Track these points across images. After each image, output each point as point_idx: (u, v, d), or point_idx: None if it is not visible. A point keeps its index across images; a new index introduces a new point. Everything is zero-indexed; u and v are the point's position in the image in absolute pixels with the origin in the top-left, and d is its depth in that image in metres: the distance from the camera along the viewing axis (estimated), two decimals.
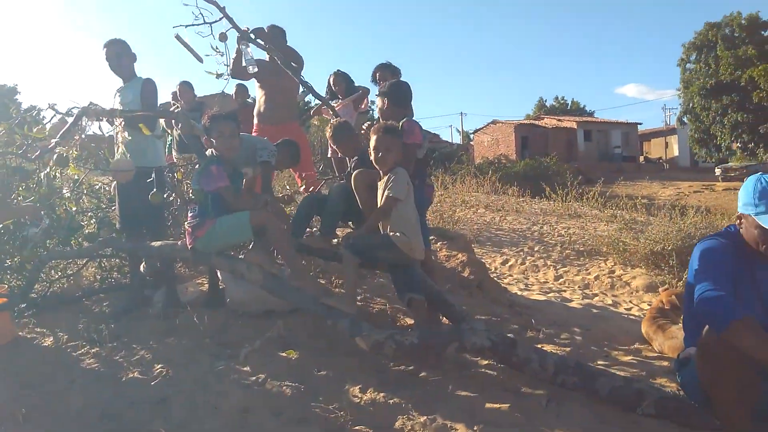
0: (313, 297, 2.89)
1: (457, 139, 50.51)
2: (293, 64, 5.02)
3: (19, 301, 3.78)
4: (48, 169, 3.61)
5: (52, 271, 4.49)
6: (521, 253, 8.61)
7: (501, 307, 4.09)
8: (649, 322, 3.49)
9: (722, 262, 2.15)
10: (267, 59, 5.23)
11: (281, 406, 2.43)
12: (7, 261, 3.96)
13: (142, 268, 3.80)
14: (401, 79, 4.55)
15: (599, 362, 2.96)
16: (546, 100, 56.30)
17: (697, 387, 2.17)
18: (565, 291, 6.71)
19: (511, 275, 7.64)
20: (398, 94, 3.67)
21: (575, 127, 39.48)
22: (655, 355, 3.29)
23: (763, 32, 31.89)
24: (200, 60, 4.44)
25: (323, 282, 3.97)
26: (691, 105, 33.74)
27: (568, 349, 3.14)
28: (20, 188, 3.84)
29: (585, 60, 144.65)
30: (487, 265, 7.79)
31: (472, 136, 45.33)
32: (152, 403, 2.54)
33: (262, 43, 4.85)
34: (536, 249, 8.77)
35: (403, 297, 3.00)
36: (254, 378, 2.68)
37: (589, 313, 4.90)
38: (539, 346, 3.11)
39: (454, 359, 2.73)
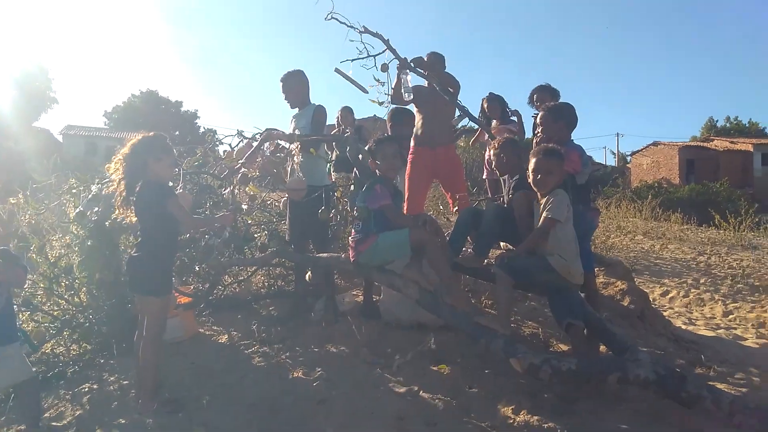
0: (466, 315, 2.94)
1: (611, 161, 47.73)
2: (450, 89, 5.16)
3: (201, 301, 4.28)
4: (232, 187, 4.07)
5: (226, 277, 5.02)
6: (684, 284, 7.90)
7: (665, 340, 3.80)
8: None
9: None
10: (425, 84, 5.43)
11: (434, 418, 2.50)
12: (195, 267, 4.50)
13: (306, 278, 4.11)
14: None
15: None
16: (717, 121, 51.18)
17: None
18: (736, 329, 6.04)
19: (671, 308, 7.04)
20: (571, 116, 3.64)
21: (751, 149, 35.36)
22: None
23: None
24: (365, 91, 4.77)
25: (473, 301, 3.99)
26: None
27: (744, 389, 2.84)
28: (208, 203, 4.37)
29: (763, 75, 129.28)
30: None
31: (629, 158, 42.55)
32: (315, 401, 2.75)
33: (421, 71, 5.06)
34: (702, 281, 8.00)
35: (561, 321, 2.93)
36: (407, 388, 2.79)
37: (763, 354, 4.37)
38: (710, 383, 2.86)
39: (613, 391, 2.60)
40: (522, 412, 2.46)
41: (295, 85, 4.42)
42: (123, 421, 2.78)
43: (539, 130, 3.68)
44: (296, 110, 4.49)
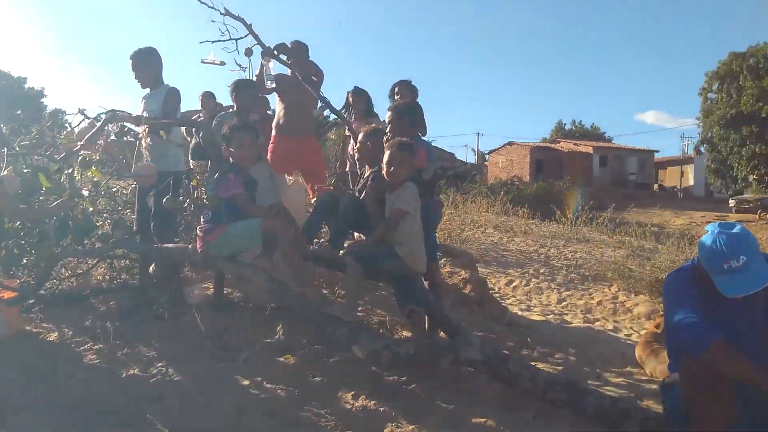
0: (314, 305, 2.97)
1: (472, 159, 50.66)
2: (313, 78, 5.15)
3: (29, 296, 3.89)
4: (71, 171, 3.74)
5: (63, 270, 4.60)
6: (526, 274, 8.61)
7: (499, 325, 4.13)
8: (643, 347, 3.52)
9: (688, 289, 2.24)
10: (288, 73, 5.35)
11: (274, 409, 2.50)
12: (24, 259, 4.07)
13: (151, 270, 3.90)
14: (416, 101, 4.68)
15: (590, 382, 2.99)
16: (565, 124, 56.30)
17: (680, 409, 2.21)
18: (567, 314, 6.71)
19: (514, 296, 7.64)
20: (414, 115, 3.78)
21: (591, 151, 39.43)
22: (646, 378, 3.32)
23: None
24: (223, 63, 4.62)
25: (326, 292, 4.04)
26: (709, 135, 33.59)
27: (560, 367, 3.18)
28: (43, 188, 3.96)
29: (607, 84, 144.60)
30: (491, 285, 7.83)
31: (487, 156, 45.44)
32: (149, 400, 2.61)
33: (284, 58, 4.99)
34: (541, 271, 8.77)
35: (404, 308, 3.06)
36: (250, 380, 2.75)
37: (586, 335, 4.91)
38: (533, 363, 3.15)
39: (448, 372, 2.78)
40: (361, 398, 2.54)
41: (145, 64, 4.15)
42: None
43: (389, 123, 3.81)
44: (147, 91, 4.22)
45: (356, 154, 3.90)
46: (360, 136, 3.73)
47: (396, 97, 5.03)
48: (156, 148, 3.93)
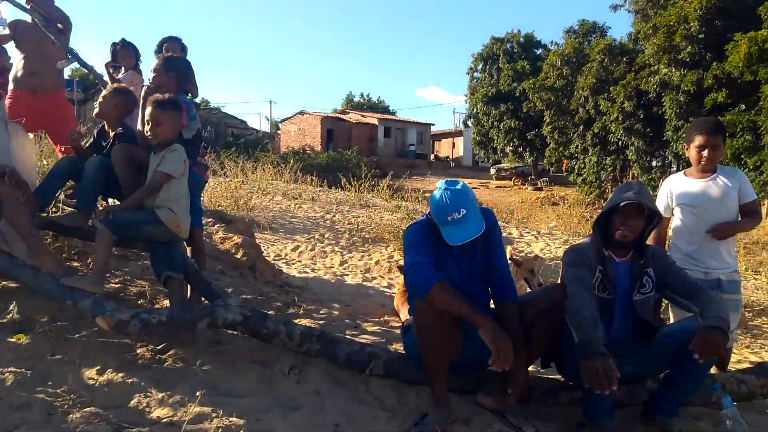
0: (51, 278, 2.66)
1: (267, 128, 49.91)
2: (59, 26, 4.52)
3: None
4: None
5: None
6: (312, 239, 8.83)
7: (271, 287, 4.17)
8: (399, 296, 3.86)
9: (421, 239, 2.49)
10: (29, 20, 4.63)
11: (1, 392, 2.20)
12: None
13: None
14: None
15: (348, 332, 3.20)
16: (354, 96, 58.35)
17: (416, 347, 2.47)
18: (348, 275, 7.06)
19: (300, 261, 7.79)
20: (184, 71, 3.61)
21: (377, 123, 41.57)
22: (399, 324, 3.65)
23: (536, 50, 36.81)
24: None
25: (78, 264, 3.65)
26: (475, 110, 37.66)
27: (322, 322, 3.33)
28: None
29: (392, 60, 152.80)
30: (279, 251, 7.89)
31: (280, 125, 45.15)
32: None
33: (21, 2, 4.30)
34: (326, 236, 9.06)
35: (160, 275, 2.91)
36: None
37: (357, 291, 5.22)
38: (298, 321, 3.25)
39: (210, 337, 2.72)
40: (107, 372, 2.36)
41: None
42: None
43: (150, 78, 3.55)
44: None
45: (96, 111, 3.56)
46: (103, 93, 3.40)
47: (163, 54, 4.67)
48: None
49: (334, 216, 10.87)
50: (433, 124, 47.47)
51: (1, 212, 2.76)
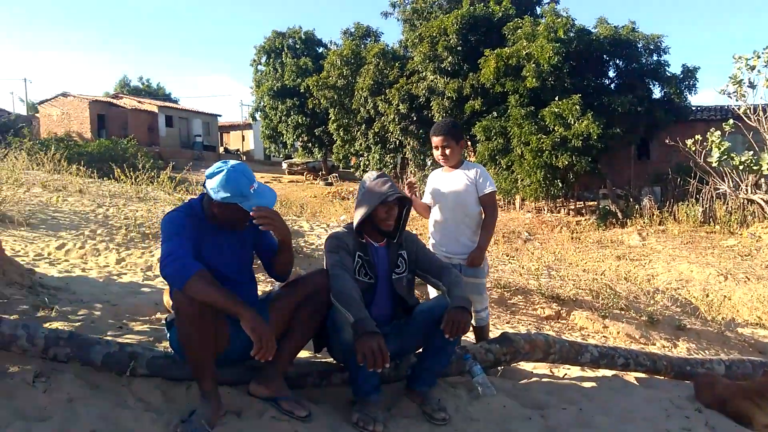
0: None
1: (22, 110, 43.18)
2: None
3: None
4: None
5: None
6: (81, 236, 8.03)
7: (17, 288, 3.76)
8: (169, 291, 3.81)
9: (180, 227, 2.40)
10: None
11: None
12: None
13: None
14: None
15: (111, 333, 3.04)
16: (130, 81, 53.57)
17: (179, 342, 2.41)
18: (126, 273, 6.60)
19: (67, 260, 7.06)
20: None
21: (156, 111, 38.79)
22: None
23: (317, 48, 37.64)
24: None
25: None
26: (262, 104, 37.28)
27: (79, 323, 3.13)
28: None
29: (172, 44, 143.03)
30: (40, 250, 7.04)
31: (38, 107, 39.46)
32: None
33: None
34: (99, 232, 8.32)
35: None
36: None
37: (128, 290, 4.96)
38: (49, 324, 3.01)
39: None
40: None
41: None
42: None
43: None
44: None
45: None
46: None
47: None
48: None
49: (108, 210, 10.00)
50: (220, 115, 45.91)
51: None
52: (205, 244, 2.49)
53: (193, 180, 14.78)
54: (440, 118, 22.92)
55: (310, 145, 36.08)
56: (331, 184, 31.40)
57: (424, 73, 22.70)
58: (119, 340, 2.79)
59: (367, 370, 2.36)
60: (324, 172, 35.10)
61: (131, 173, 12.66)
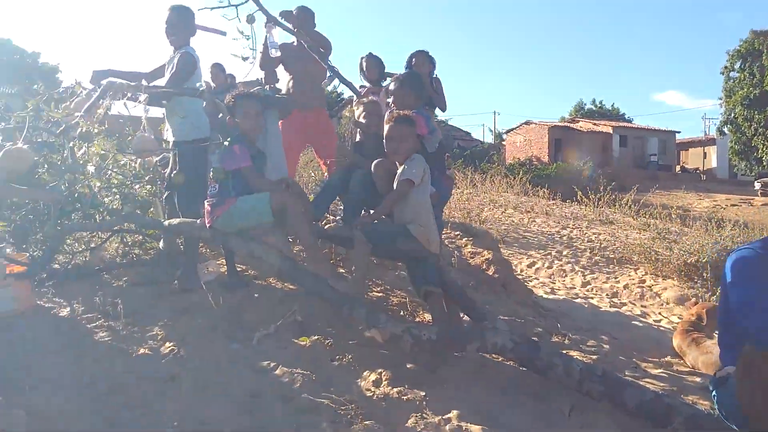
0: (328, 284, 2.81)
1: (489, 139, 50.02)
2: (321, 49, 4.93)
3: (39, 270, 3.78)
4: (72, 144, 3.58)
5: (76, 244, 4.49)
6: (548, 256, 8.38)
7: (526, 308, 3.94)
8: (683, 336, 3.31)
9: (758, 275, 2.03)
10: (294, 43, 5.14)
11: (291, 394, 2.36)
12: (33, 235, 3.96)
13: (160, 245, 3.77)
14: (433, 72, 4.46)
15: (627, 373, 2.81)
16: (585, 104, 55.28)
17: (736, 408, 2.01)
18: (592, 298, 6.51)
19: (537, 278, 7.44)
20: (417, 85, 3.68)
21: (611, 131, 38.67)
22: (687, 370, 3.12)
23: None
24: (223, 33, 4.39)
25: (344, 271, 3.88)
26: (732, 115, 32.59)
27: (594, 357, 2.98)
28: (45, 165, 3.81)
29: (625, 64, 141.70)
30: (514, 266, 7.62)
31: (504, 135, 44.81)
32: (161, 381, 2.50)
33: (290, 26, 4.77)
34: (564, 253, 8.53)
35: (419, 290, 2.91)
36: (266, 363, 2.61)
37: (618, 320, 4.70)
38: (564, 351, 2.98)
39: (473, 359, 2.61)
40: (383, 384, 2.39)
41: (184, 20, 3.83)
42: None
43: (392, 99, 3.66)
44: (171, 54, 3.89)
45: (361, 122, 3.75)
46: (358, 111, 3.60)
47: (413, 69, 4.80)
48: (172, 118, 3.75)
49: (571, 232, 10.24)
50: (679, 132, 42.56)
51: (285, 221, 3.02)
52: None
53: (655, 203, 13.84)
54: None
55: None
56: None
57: None
58: (641, 383, 2.52)
59: None
60: None
61: (592, 195, 12.71)
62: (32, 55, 37.99)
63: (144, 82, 3.82)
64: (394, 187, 3.04)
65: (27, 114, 3.53)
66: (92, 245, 4.52)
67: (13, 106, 3.94)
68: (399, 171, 3.02)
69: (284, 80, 5.47)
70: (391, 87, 3.68)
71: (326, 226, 3.64)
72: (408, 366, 2.58)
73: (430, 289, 2.82)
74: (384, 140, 3.09)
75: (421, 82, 3.78)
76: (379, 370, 2.49)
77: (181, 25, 3.81)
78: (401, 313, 3.32)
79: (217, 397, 2.33)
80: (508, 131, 43.47)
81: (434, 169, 3.33)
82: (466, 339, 2.48)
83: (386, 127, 3.10)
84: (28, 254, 3.87)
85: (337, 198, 3.86)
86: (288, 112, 4.12)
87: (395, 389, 2.33)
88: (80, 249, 4.46)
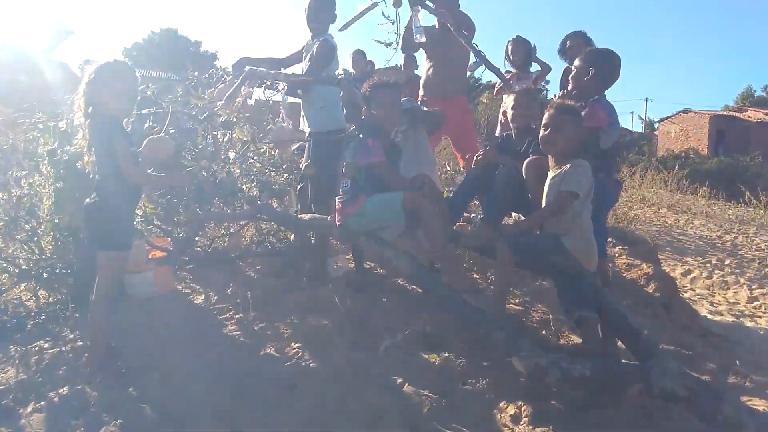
0: (464, 300, 2.51)
1: (638, 128, 46.28)
2: (465, 32, 4.59)
3: (179, 254, 3.90)
4: (215, 132, 3.63)
5: (216, 229, 4.62)
6: (708, 264, 7.39)
7: (691, 334, 3.35)
8: None
9: None
10: (436, 26, 4.86)
11: (417, 419, 2.13)
12: (175, 218, 4.11)
13: (292, 238, 3.72)
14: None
15: None
16: (755, 90, 49.04)
17: None
18: (761, 317, 5.59)
19: (692, 289, 6.56)
20: (611, 65, 3.13)
21: None
22: None
23: None
24: (375, 4, 4.26)
25: (477, 276, 3.57)
26: None
27: None
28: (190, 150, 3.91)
29: None
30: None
31: (656, 125, 41.17)
32: (283, 387, 2.39)
33: (433, 6, 4.49)
34: (726, 262, 7.47)
35: (571, 314, 2.51)
36: (392, 378, 2.40)
37: None
38: (746, 398, 2.44)
39: (633, 402, 2.19)
40: (523, 421, 2.07)
41: (328, 7, 3.71)
42: (64, 392, 2.43)
43: (573, 76, 3.19)
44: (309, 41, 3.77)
45: (510, 115, 3.35)
46: (508, 102, 3.18)
47: (568, 53, 4.29)
48: (308, 108, 3.66)
49: (736, 238, 9.01)
50: None
51: (419, 223, 2.78)
52: None
53: None
54: None
55: None
56: None
57: None
58: None
59: None
60: None
61: (762, 196, 11.15)
62: (195, 44, 41.64)
63: (282, 71, 3.77)
64: (545, 189, 2.67)
65: (176, 99, 3.62)
66: (231, 230, 4.64)
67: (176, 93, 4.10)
68: (554, 173, 2.63)
69: (423, 67, 5.24)
70: (576, 62, 3.20)
71: (461, 230, 3.33)
72: (552, 402, 2.22)
73: (584, 314, 2.42)
74: (541, 127, 2.71)
75: (613, 62, 3.18)
76: (519, 403, 2.17)
77: (323, 12, 3.69)
78: (543, 331, 2.94)
79: (337, 414, 2.16)
80: (661, 120, 39.88)
81: (601, 170, 2.89)
82: (627, 380, 2.08)
83: (546, 114, 2.71)
84: (170, 238, 4.02)
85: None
86: (438, 127, 3.83)
87: (538, 429, 2.00)
88: (220, 233, 4.58)
